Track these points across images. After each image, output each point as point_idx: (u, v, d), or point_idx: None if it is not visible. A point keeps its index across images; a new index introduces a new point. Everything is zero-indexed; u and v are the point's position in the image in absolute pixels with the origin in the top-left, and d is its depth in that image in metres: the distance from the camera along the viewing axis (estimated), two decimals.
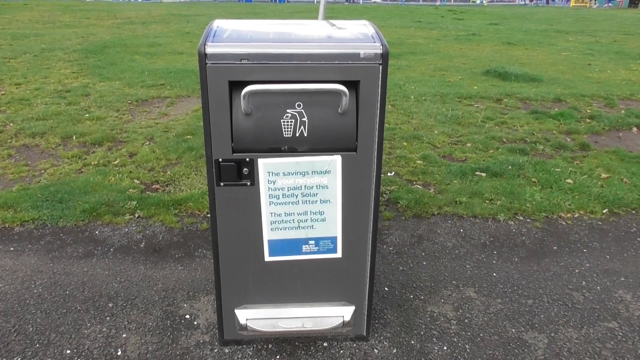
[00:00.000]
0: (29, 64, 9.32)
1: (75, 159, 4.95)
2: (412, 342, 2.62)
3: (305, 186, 2.21)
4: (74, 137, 5.48)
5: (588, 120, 6.53)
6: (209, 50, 1.95)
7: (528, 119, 6.51)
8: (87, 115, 6.31)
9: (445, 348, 2.58)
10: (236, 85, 2.03)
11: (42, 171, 4.65)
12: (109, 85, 7.87)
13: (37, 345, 2.54)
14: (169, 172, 4.63)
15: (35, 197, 4.04)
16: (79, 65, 9.42)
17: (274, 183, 2.19)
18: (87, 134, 5.58)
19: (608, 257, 3.45)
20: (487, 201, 4.16)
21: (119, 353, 2.50)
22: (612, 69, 10.18)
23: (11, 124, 5.88)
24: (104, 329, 2.66)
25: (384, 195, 4.25)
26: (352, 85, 2.07)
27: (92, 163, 4.82)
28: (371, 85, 2.05)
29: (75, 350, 2.51)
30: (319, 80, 2.01)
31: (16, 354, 2.48)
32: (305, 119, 2.09)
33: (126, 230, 3.65)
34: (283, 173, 2.18)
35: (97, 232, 3.62)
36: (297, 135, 2.10)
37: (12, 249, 3.39)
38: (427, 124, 6.21)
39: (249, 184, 2.18)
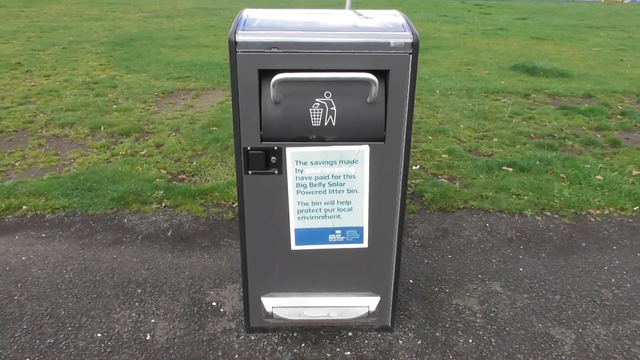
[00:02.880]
0: (57, 56, 9.48)
1: (104, 149, 5.03)
2: (437, 334, 2.62)
3: (332, 175, 2.22)
4: (102, 128, 5.57)
5: (619, 117, 6.39)
6: (239, 38, 1.97)
7: (557, 114, 6.41)
8: (114, 106, 6.41)
9: (470, 341, 2.57)
10: (265, 74, 2.04)
11: (72, 160, 4.74)
12: (136, 78, 7.97)
13: (69, 328, 2.60)
14: (194, 162, 4.68)
15: (66, 185, 4.13)
16: (106, 57, 9.55)
17: (302, 172, 2.20)
18: (115, 124, 5.67)
19: (639, 254, 3.38)
20: (513, 196, 4.11)
21: (148, 338, 2.55)
22: None
23: (41, 115, 6.00)
24: (133, 314, 2.71)
25: (409, 188, 4.23)
26: (382, 74, 2.06)
27: (120, 153, 4.90)
28: (401, 75, 2.04)
29: (105, 334, 2.56)
30: (348, 69, 2.01)
31: (49, 337, 2.54)
32: (333, 108, 2.09)
33: (153, 218, 3.70)
34: (311, 162, 2.18)
35: (125, 220, 3.68)
36: (326, 124, 2.11)
37: (43, 235, 3.47)
38: (453, 119, 6.15)
39: (276, 172, 2.20)
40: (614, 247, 3.46)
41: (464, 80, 8.14)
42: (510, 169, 4.62)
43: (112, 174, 4.35)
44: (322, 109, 2.09)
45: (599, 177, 4.48)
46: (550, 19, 18.77)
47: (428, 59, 9.99)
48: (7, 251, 3.27)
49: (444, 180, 4.42)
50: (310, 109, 2.08)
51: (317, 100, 2.08)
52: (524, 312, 2.80)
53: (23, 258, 3.20)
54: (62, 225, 3.60)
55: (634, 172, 4.60)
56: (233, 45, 1.97)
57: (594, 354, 2.51)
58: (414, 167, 4.65)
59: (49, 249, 3.31)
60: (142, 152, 4.93)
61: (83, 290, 2.91)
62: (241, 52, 1.98)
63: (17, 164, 4.64)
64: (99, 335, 2.56)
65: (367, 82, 2.01)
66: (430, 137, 5.46)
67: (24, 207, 3.81)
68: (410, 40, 1.99)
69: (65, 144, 5.18)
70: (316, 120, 2.10)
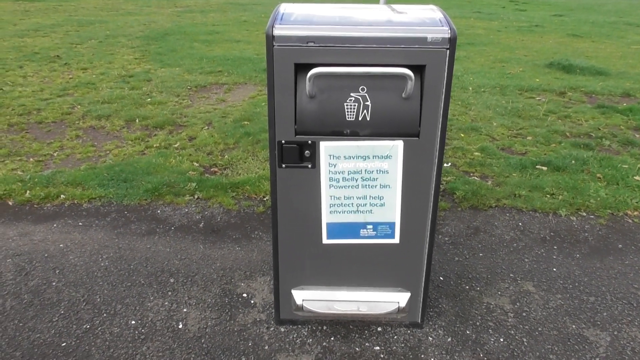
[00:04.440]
0: (94, 50, 9.68)
1: (138, 141, 5.13)
2: (468, 332, 2.60)
3: (365, 170, 2.22)
4: (137, 120, 5.68)
5: None
6: (277, 32, 1.98)
7: (594, 113, 6.25)
8: (149, 99, 6.52)
9: (501, 340, 2.54)
10: (301, 68, 2.05)
11: (108, 152, 4.85)
12: (170, 71, 8.08)
13: (104, 315, 2.67)
14: (226, 156, 4.74)
15: (102, 176, 4.22)
16: (141, 51, 9.71)
17: (335, 166, 2.21)
18: (149, 117, 5.77)
19: None
20: (548, 195, 4.04)
21: (180, 326, 2.60)
22: None
23: (79, 107, 6.15)
24: (166, 303, 2.77)
25: (440, 185, 4.19)
26: (418, 69, 2.05)
27: (154, 145, 4.99)
28: (437, 71, 2.03)
29: (139, 322, 2.62)
30: (384, 64, 2.01)
31: (85, 322, 2.62)
32: (368, 103, 2.09)
33: (186, 210, 3.76)
34: (344, 156, 2.19)
35: (159, 211, 3.75)
36: (360, 119, 2.11)
37: (80, 224, 3.57)
38: (486, 116, 6.07)
39: (310, 166, 2.21)
40: None
41: (498, 78, 8.01)
42: (545, 168, 4.53)
43: (146, 165, 4.43)
44: (356, 104, 2.09)
45: (637, 177, 4.37)
46: (588, 16, 18.31)
47: (461, 56, 9.87)
48: (46, 238, 3.37)
49: (476, 178, 4.37)
50: (345, 104, 2.09)
51: (352, 94, 2.08)
52: (557, 312, 2.76)
53: (61, 245, 3.29)
54: (98, 215, 3.69)
55: None
56: (270, 39, 1.98)
57: (629, 357, 2.45)
58: (445, 165, 4.61)
59: (85, 238, 3.39)
60: (176, 145, 5.01)
61: (118, 278, 2.98)
62: (278, 46, 1.99)
63: (55, 154, 4.77)
64: (133, 322, 2.62)
65: (402, 77, 2.00)
66: (463, 135, 5.40)
67: (62, 196, 3.92)
68: (447, 36, 1.97)
69: (101, 135, 5.30)
70: (351, 114, 2.10)
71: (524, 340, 2.55)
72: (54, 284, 2.92)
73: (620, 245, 3.42)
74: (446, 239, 3.46)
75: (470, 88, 7.38)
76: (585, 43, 11.92)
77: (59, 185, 4.07)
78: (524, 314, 2.73)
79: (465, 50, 10.47)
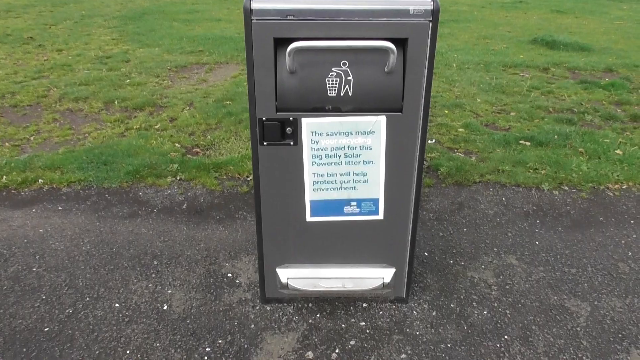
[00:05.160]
0: (69, 31, 9.45)
1: (118, 123, 5.04)
2: (452, 305, 2.61)
3: (348, 147, 2.20)
4: (115, 102, 5.57)
5: None
6: (255, 5, 1.93)
7: (576, 88, 6.28)
8: (127, 80, 6.40)
9: (485, 312, 2.57)
10: (281, 43, 2.01)
11: (86, 134, 4.75)
12: (149, 52, 7.93)
13: (87, 299, 2.64)
14: (209, 136, 4.68)
15: (81, 159, 4.15)
16: (118, 31, 9.51)
17: (317, 143, 2.18)
18: (129, 99, 5.66)
19: None
20: (531, 170, 4.06)
21: (165, 308, 2.58)
22: None
23: (55, 89, 6.01)
24: (150, 285, 2.74)
25: (424, 162, 4.19)
26: (400, 43, 2.02)
27: (134, 127, 4.91)
28: (420, 43, 2.00)
29: (123, 304, 2.60)
30: (366, 37, 1.97)
31: (68, 306, 2.58)
32: (350, 77, 2.05)
33: (168, 192, 3.71)
34: (327, 133, 2.16)
35: (140, 193, 3.70)
36: (342, 94, 2.08)
37: (60, 208, 3.50)
38: (470, 93, 6.06)
39: (292, 143, 2.18)
40: (632, 222, 3.42)
41: (482, 54, 8.00)
42: (528, 143, 4.55)
43: (126, 147, 4.36)
44: (338, 79, 2.05)
45: (618, 151, 4.40)
46: None
47: (445, 33, 9.82)
48: (25, 224, 3.31)
49: (460, 154, 4.37)
50: (327, 79, 2.05)
51: (333, 69, 2.05)
52: (540, 284, 2.79)
53: (40, 231, 3.24)
54: (78, 199, 3.62)
55: None
56: (248, 12, 1.93)
57: (609, 326, 2.49)
58: (429, 141, 4.61)
59: (65, 222, 3.34)
60: (156, 126, 4.93)
61: (100, 262, 2.94)
62: (256, 20, 1.94)
63: (32, 138, 4.67)
64: (117, 305, 2.60)
65: (385, 50, 1.97)
66: (447, 111, 5.39)
67: (39, 180, 3.84)
68: (430, 7, 1.94)
69: (79, 118, 5.19)
70: (332, 90, 2.07)
71: (507, 312, 2.57)
72: (34, 269, 2.87)
73: (601, 218, 3.45)
74: (430, 214, 3.47)
75: (454, 65, 7.36)
76: (569, 19, 11.94)
77: (36, 169, 3.99)
78: (507, 287, 2.76)
79: (449, 27, 10.42)
